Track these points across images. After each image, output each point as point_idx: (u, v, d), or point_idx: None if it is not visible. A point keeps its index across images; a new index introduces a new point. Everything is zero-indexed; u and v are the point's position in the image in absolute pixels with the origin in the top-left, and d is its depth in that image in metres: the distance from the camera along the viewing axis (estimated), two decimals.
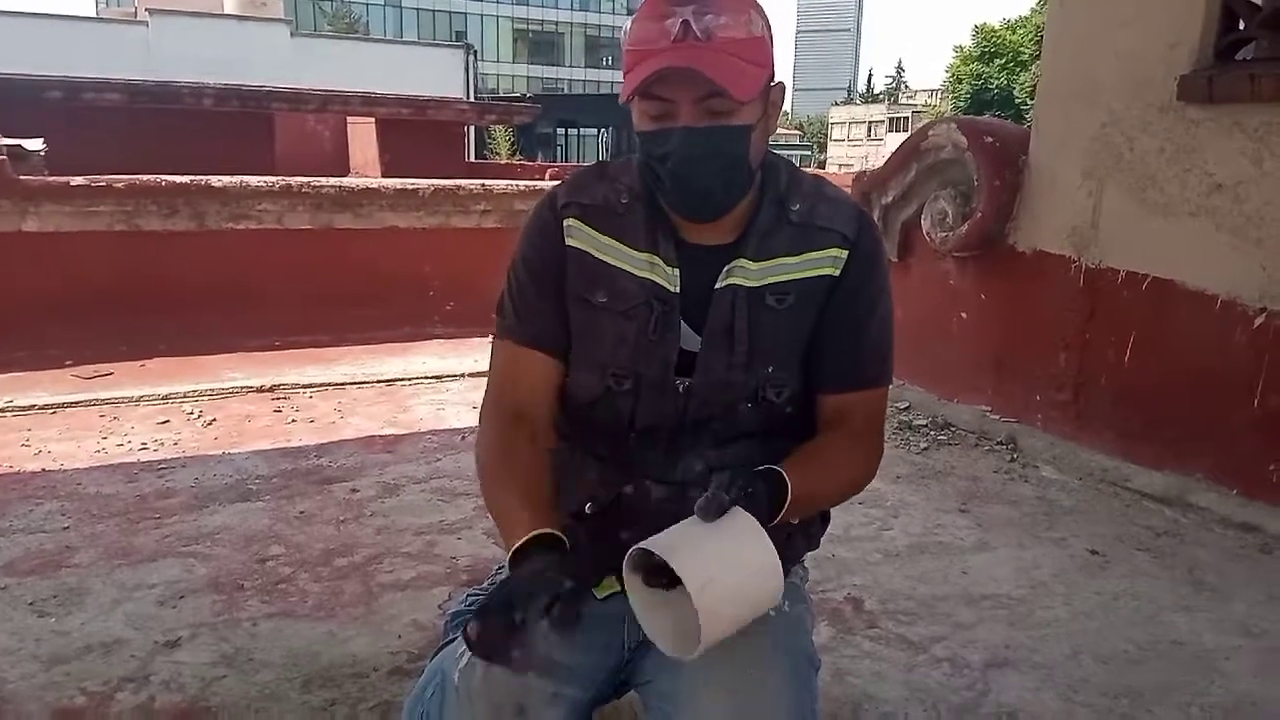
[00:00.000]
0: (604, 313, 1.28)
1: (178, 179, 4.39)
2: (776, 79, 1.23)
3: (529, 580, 1.02)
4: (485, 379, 1.32)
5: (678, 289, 1.26)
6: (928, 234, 3.65)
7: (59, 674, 1.81)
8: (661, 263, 1.26)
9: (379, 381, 4.05)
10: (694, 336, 1.29)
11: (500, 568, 1.52)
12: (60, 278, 4.19)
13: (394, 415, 3.58)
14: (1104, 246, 3.14)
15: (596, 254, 1.28)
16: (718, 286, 1.26)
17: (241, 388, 3.83)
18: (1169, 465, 2.94)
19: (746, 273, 1.26)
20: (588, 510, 1.32)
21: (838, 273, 1.28)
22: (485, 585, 1.56)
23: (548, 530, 1.11)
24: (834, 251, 1.28)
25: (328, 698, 1.76)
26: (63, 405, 3.52)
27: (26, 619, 2.02)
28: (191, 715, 1.70)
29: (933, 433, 3.52)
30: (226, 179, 4.49)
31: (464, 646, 1.14)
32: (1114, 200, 3.10)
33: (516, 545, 1.09)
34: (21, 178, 4.09)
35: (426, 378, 4.08)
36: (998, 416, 3.51)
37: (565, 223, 1.29)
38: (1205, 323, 2.85)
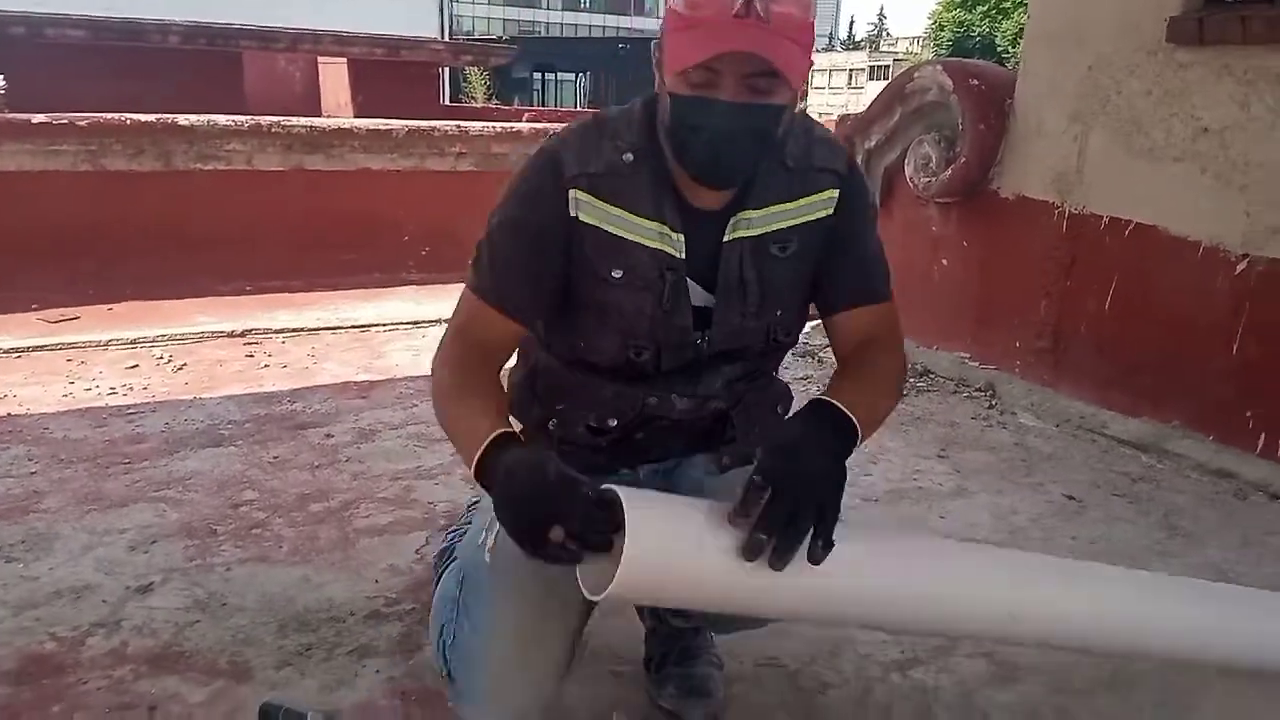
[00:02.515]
0: (618, 288, 1.29)
1: (143, 117, 4.25)
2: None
3: (561, 487, 1.03)
4: None
5: (683, 254, 1.28)
6: (910, 179, 3.61)
7: (28, 619, 1.78)
8: (669, 230, 1.27)
9: (353, 327, 3.98)
10: (702, 292, 1.33)
11: (475, 502, 1.52)
12: (23, 219, 4.07)
13: (369, 361, 3.53)
14: (1088, 192, 3.11)
15: (609, 229, 1.27)
16: (726, 240, 1.30)
17: (212, 332, 3.75)
18: (1146, 412, 2.96)
19: (750, 224, 1.29)
20: (611, 424, 1.38)
21: (832, 212, 1.33)
22: (462, 523, 1.54)
23: (513, 431, 1.15)
24: (828, 193, 1.33)
25: (304, 642, 1.74)
26: (28, 349, 3.44)
27: None
28: (164, 659, 1.67)
29: (912, 379, 3.51)
30: (194, 118, 4.36)
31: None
32: (1099, 145, 3.07)
33: (491, 439, 1.11)
34: None
35: (402, 323, 4.02)
36: (977, 364, 3.51)
37: (572, 194, 1.26)
38: (1186, 270, 2.84)
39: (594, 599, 1.05)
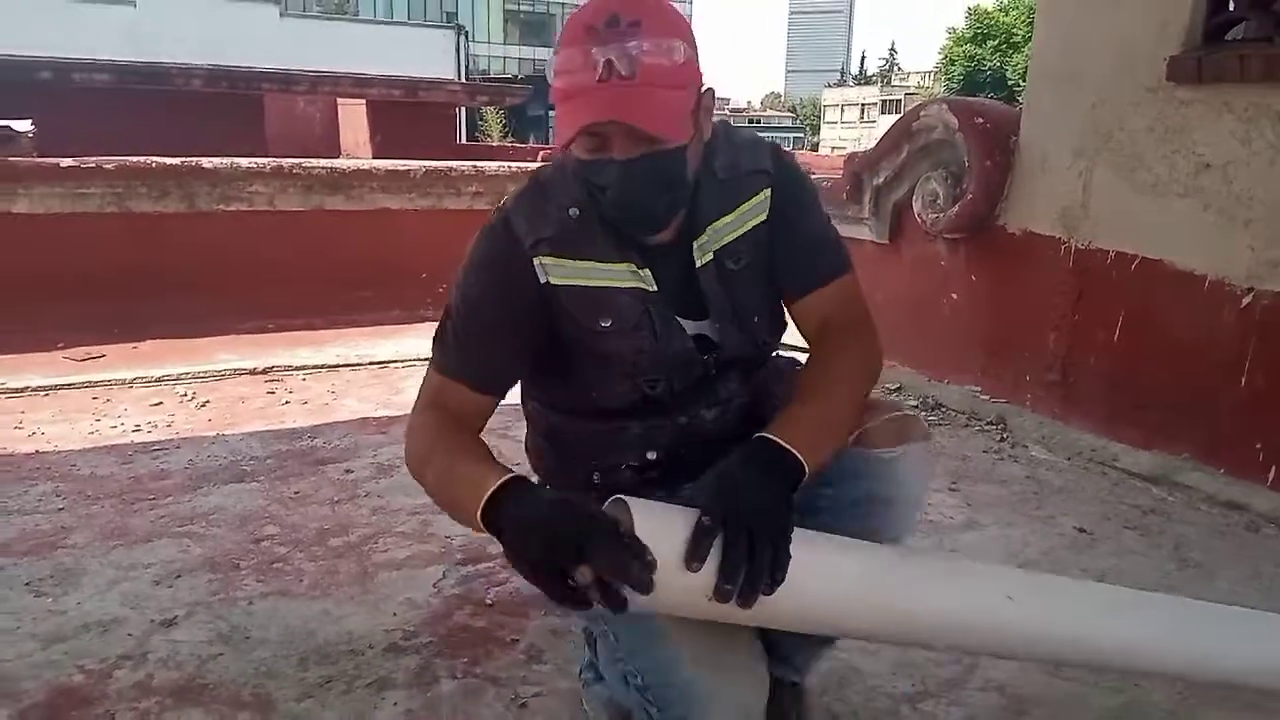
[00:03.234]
0: (611, 336, 1.32)
1: (168, 160, 4.37)
2: (706, 86, 1.25)
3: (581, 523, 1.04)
4: None
5: (655, 288, 1.32)
6: (919, 215, 3.67)
7: (57, 652, 1.83)
8: (635, 268, 1.31)
9: (372, 363, 4.06)
10: (686, 323, 1.36)
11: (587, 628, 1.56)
12: (51, 260, 4.17)
13: (387, 397, 3.59)
14: (1093, 227, 3.15)
15: (584, 283, 1.29)
16: (699, 266, 1.33)
17: (234, 370, 3.83)
18: (1156, 445, 2.97)
19: (705, 247, 1.33)
20: (651, 458, 1.41)
21: (768, 213, 1.36)
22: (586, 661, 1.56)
23: (518, 475, 1.14)
24: (760, 196, 1.36)
25: (324, 675, 1.78)
26: (55, 387, 3.52)
27: (23, 599, 2.03)
28: (189, 692, 1.71)
29: (923, 413, 3.54)
30: (217, 160, 4.48)
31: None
32: (1104, 180, 3.11)
33: (499, 484, 1.10)
34: (10, 159, 4.07)
35: (420, 360, 4.08)
36: (987, 397, 3.54)
37: (537, 261, 1.28)
38: (1193, 303, 2.87)
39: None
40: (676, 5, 1.27)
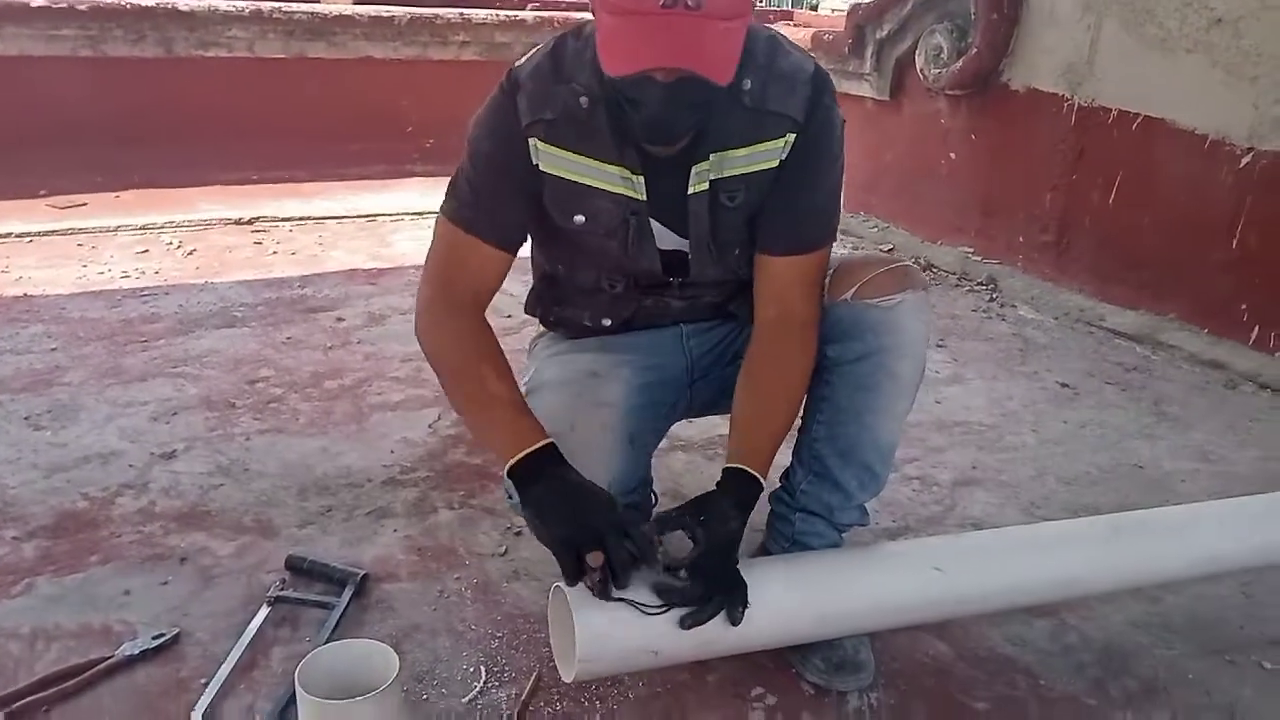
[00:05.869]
0: (583, 233, 1.33)
1: (142, 1, 4.18)
2: None
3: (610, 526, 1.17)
4: None
5: (644, 196, 1.29)
6: (921, 71, 3.58)
7: (59, 480, 1.86)
8: (630, 173, 1.28)
9: (359, 216, 3.99)
10: (668, 234, 1.35)
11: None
12: (28, 105, 4.03)
13: (376, 250, 3.56)
14: (1098, 84, 3.09)
15: (571, 177, 1.28)
16: (691, 193, 1.29)
17: (220, 219, 3.77)
18: (1144, 305, 3.00)
19: (703, 175, 1.29)
20: (605, 324, 1.47)
21: (781, 160, 1.30)
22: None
23: (549, 441, 1.23)
24: (780, 142, 1.28)
25: (324, 504, 1.83)
26: (40, 234, 3.47)
27: (22, 431, 2.05)
28: (192, 518, 1.76)
29: None
30: (194, 2, 4.28)
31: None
32: (1112, 34, 3.03)
33: (527, 452, 1.21)
34: None
35: (408, 214, 4.03)
36: (980, 258, 3.54)
37: (531, 142, 1.26)
38: (1192, 163, 2.84)
39: (566, 679, 1.22)
40: None
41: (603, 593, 1.15)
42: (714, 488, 1.27)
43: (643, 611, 1.15)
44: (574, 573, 1.15)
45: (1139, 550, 1.45)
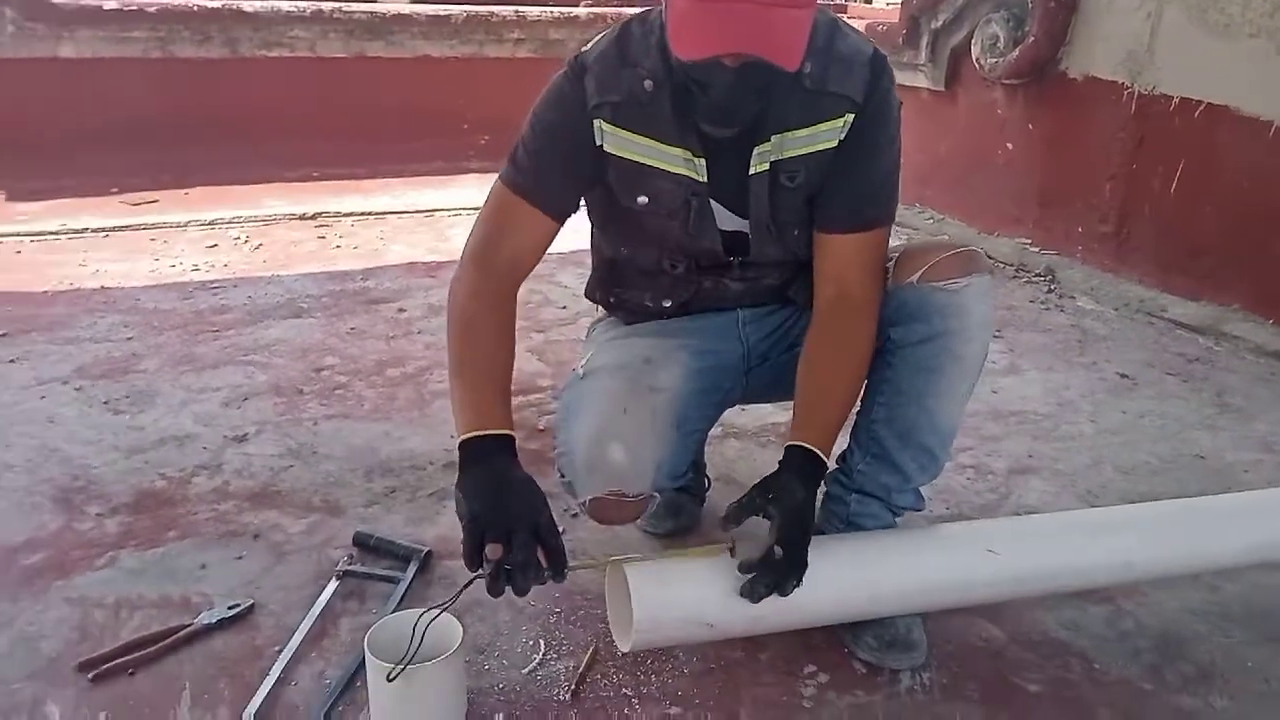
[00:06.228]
0: (646, 214, 1.37)
1: (210, 3, 4.32)
2: None
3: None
4: None
5: (705, 178, 1.32)
6: (977, 60, 3.55)
7: (138, 461, 1.95)
8: (692, 155, 1.31)
9: (418, 211, 4.08)
10: (728, 215, 1.38)
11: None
12: (100, 105, 4.19)
13: (435, 244, 3.64)
14: (1158, 72, 3.04)
15: (635, 158, 1.32)
16: (752, 174, 1.32)
17: (285, 215, 3.88)
18: (1207, 295, 2.95)
19: (767, 155, 1.31)
20: (666, 305, 1.51)
21: (840, 140, 1.31)
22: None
23: (509, 433, 1.24)
24: (841, 120, 1.30)
25: (388, 485, 1.89)
26: (114, 229, 3.60)
27: (103, 415, 2.15)
28: (264, 497, 1.83)
29: None
30: (258, 4, 4.41)
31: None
32: (1173, 21, 2.98)
33: (486, 433, 1.22)
34: (55, 2, 4.04)
35: (466, 209, 4.10)
36: (1038, 249, 3.51)
37: (596, 123, 1.30)
38: (1255, 151, 2.79)
39: (623, 650, 1.26)
40: None
41: (491, 588, 1.13)
42: (776, 467, 1.29)
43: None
44: (472, 556, 1.14)
45: (1197, 535, 1.45)
